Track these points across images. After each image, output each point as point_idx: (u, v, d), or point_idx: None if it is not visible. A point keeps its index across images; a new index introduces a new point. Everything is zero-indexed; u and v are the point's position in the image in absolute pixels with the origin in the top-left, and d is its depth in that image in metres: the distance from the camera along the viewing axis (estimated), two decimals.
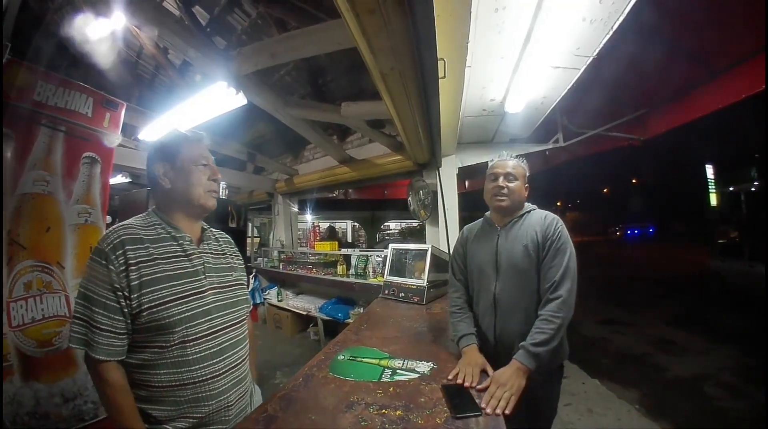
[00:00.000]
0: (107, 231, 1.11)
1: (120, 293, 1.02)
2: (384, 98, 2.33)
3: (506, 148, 1.72)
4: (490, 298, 1.63)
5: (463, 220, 3.71)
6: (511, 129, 3.44)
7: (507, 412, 1.13)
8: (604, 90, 3.80)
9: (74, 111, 2.33)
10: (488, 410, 1.12)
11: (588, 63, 2.19)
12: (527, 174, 1.72)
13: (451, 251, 1.95)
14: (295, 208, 7.00)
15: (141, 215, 1.19)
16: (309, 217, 8.62)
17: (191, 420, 1.08)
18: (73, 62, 4.34)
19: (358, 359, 1.53)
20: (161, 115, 3.53)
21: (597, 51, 2.07)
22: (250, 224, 8.42)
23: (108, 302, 1.01)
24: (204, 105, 3.07)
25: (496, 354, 1.53)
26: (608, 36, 1.92)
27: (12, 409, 1.93)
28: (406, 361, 1.49)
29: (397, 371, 1.40)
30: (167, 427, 1.06)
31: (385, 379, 1.33)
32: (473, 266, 1.75)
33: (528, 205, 1.72)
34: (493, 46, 1.99)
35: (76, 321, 1.02)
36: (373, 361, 1.51)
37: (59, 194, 2.23)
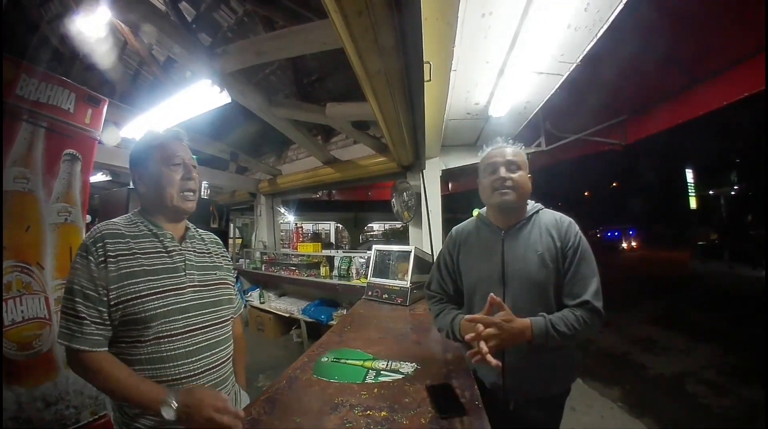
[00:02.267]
0: (93, 228, 1.09)
1: (99, 283, 1.00)
2: (369, 100, 2.33)
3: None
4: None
5: (447, 223, 3.75)
6: (494, 133, 3.48)
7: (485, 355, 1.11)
8: (587, 95, 3.89)
9: (56, 106, 2.22)
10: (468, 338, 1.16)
11: (571, 69, 2.23)
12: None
13: (436, 258, 1.72)
14: (279, 209, 6.92)
15: (126, 215, 1.18)
16: (292, 217, 8.55)
17: (157, 420, 1.02)
18: (55, 56, 4.20)
19: (342, 361, 1.53)
20: (144, 112, 3.43)
21: (580, 57, 2.11)
22: (232, 225, 8.30)
23: (88, 292, 0.99)
24: (187, 103, 3.01)
25: (505, 389, 1.39)
26: (592, 43, 1.96)
27: None
28: (390, 363, 1.50)
29: (381, 372, 1.41)
30: (138, 423, 1.03)
31: (369, 381, 1.34)
32: (471, 279, 1.48)
33: (533, 204, 1.48)
34: (479, 50, 2.00)
35: (63, 316, 1.00)
36: (357, 362, 1.51)
37: (39, 192, 2.14)
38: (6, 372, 1.91)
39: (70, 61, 3.28)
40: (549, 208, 1.51)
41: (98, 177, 5.15)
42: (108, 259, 1.01)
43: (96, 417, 2.26)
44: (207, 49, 2.62)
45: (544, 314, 1.25)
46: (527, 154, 1.50)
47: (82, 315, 0.98)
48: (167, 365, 1.04)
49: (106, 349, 1.01)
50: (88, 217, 2.36)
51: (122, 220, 1.14)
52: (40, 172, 2.15)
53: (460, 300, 1.55)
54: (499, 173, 1.38)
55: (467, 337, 1.18)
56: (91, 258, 1.01)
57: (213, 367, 1.14)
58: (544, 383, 1.38)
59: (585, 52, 2.05)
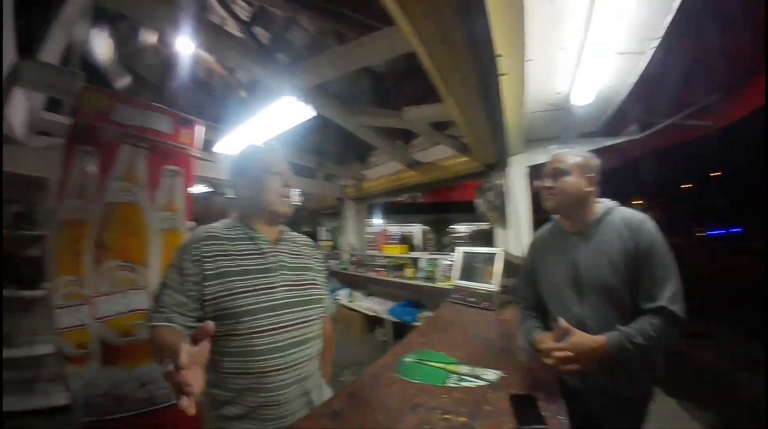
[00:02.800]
0: (193, 231, 1.24)
1: (186, 278, 1.10)
2: (446, 100, 2.33)
3: (577, 144, 1.55)
4: (570, 324, 1.36)
5: (538, 223, 3.52)
6: (580, 123, 3.20)
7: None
8: (677, 74, 3.37)
9: (155, 129, 2.62)
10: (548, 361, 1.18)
11: (654, 47, 1.96)
12: (593, 164, 1.41)
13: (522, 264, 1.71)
14: (365, 213, 7.16)
15: (225, 220, 1.29)
16: (378, 220, 8.78)
17: (245, 407, 1.12)
18: (151, 87, 4.94)
19: (425, 362, 1.53)
20: (235, 130, 3.83)
21: (661, 33, 1.85)
22: (321, 228, 8.82)
23: (175, 285, 1.11)
24: (274, 119, 3.28)
25: (580, 394, 1.36)
26: (671, 16, 1.70)
27: (87, 391, 2.21)
28: (473, 368, 1.46)
29: (464, 377, 1.38)
30: (225, 411, 1.13)
31: (450, 384, 1.32)
32: (548, 286, 1.48)
33: (606, 204, 1.41)
34: (551, 36, 1.85)
35: (152, 304, 1.14)
36: (440, 365, 1.50)
37: (144, 203, 2.52)
38: (105, 355, 2.28)
39: (162, 88, 3.79)
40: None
41: (199, 188, 5.87)
42: (204, 259, 1.12)
43: None
44: (286, 68, 2.83)
45: (620, 327, 1.18)
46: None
47: (163, 302, 1.10)
48: (256, 358, 1.11)
49: (171, 325, 1.08)
50: (191, 224, 2.70)
51: (221, 224, 1.25)
52: (144, 185, 2.53)
53: (542, 306, 1.53)
54: (544, 183, 1.42)
55: (540, 347, 1.23)
56: (186, 256, 1.12)
57: (299, 363, 1.19)
58: (624, 384, 1.34)
59: (665, 27, 1.79)
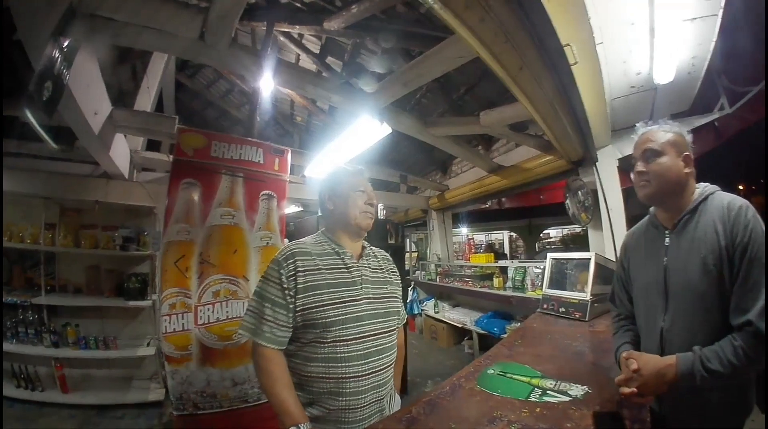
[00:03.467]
0: (284, 246, 1.39)
1: (287, 292, 1.20)
2: (520, 99, 2.26)
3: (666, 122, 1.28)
4: (654, 339, 1.17)
5: (631, 221, 3.15)
6: (668, 103, 2.86)
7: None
8: (755, 33, 2.81)
9: (249, 160, 2.97)
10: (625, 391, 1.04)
11: (722, 5, 1.70)
12: (687, 139, 1.19)
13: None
14: (449, 222, 7.10)
15: (312, 235, 1.41)
16: (463, 229, 8.61)
17: (324, 410, 1.20)
18: (242, 123, 5.57)
19: (508, 375, 1.48)
20: (319, 153, 4.14)
21: None
22: (407, 240, 8.92)
23: (276, 298, 1.21)
24: (354, 139, 3.48)
25: (667, 418, 1.19)
26: None
27: (182, 388, 2.49)
28: (558, 383, 1.37)
29: (548, 392, 1.30)
30: (307, 411, 1.20)
31: (533, 399, 1.25)
32: (635, 290, 1.27)
33: (702, 188, 1.18)
34: (617, 14, 1.71)
35: (248, 313, 1.26)
36: (524, 378, 1.44)
37: (244, 224, 2.86)
38: (202, 357, 2.55)
39: (252, 123, 4.23)
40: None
41: (292, 208, 6.38)
42: (297, 273, 1.22)
43: None
44: (360, 91, 3.00)
45: (696, 348, 0.97)
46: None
47: (267, 317, 1.20)
48: (340, 365, 1.19)
49: (281, 348, 1.22)
50: (286, 241, 2.96)
51: (309, 239, 1.37)
52: (243, 209, 2.86)
53: None
54: (637, 168, 1.19)
55: (615, 379, 1.08)
56: (282, 271, 1.22)
57: (378, 370, 1.26)
58: (707, 416, 1.11)
59: None
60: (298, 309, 1.20)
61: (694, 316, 1.08)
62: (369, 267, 1.37)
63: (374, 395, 1.25)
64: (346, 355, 1.20)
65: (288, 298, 1.21)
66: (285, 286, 1.21)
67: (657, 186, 1.15)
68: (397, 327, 1.41)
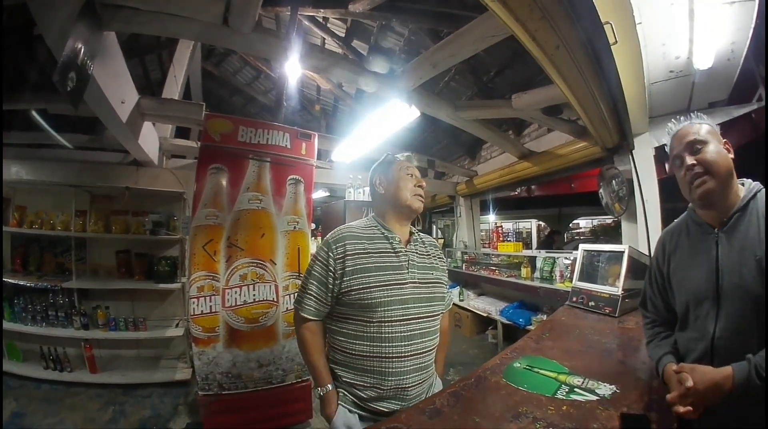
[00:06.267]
0: (336, 228, 1.42)
1: (330, 273, 1.29)
2: (555, 80, 2.16)
3: (708, 115, 1.17)
4: (703, 347, 1.09)
5: (667, 214, 3.00)
6: (706, 91, 2.71)
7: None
8: None
9: (275, 145, 2.98)
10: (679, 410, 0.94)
11: None
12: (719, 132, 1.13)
13: (648, 266, 1.41)
14: (477, 209, 6.96)
15: (363, 219, 1.49)
16: (491, 217, 8.45)
17: (367, 387, 1.28)
18: (268, 109, 5.60)
19: (535, 369, 1.46)
20: (347, 138, 4.10)
21: None
22: (434, 226, 8.86)
23: (320, 277, 1.31)
24: (382, 123, 3.43)
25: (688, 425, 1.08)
26: None
27: (208, 368, 2.57)
28: (586, 380, 1.33)
29: (575, 389, 1.27)
30: (354, 389, 1.30)
31: (559, 396, 1.22)
32: (682, 296, 1.17)
33: (749, 186, 1.10)
34: None
35: (300, 288, 1.38)
36: (551, 374, 1.41)
37: (271, 208, 2.89)
38: (229, 339, 2.62)
39: (279, 108, 4.23)
40: None
41: (319, 193, 6.41)
42: (346, 256, 1.29)
43: (299, 380, 2.83)
44: (388, 74, 2.93)
45: (749, 356, 0.89)
46: (751, 112, 1.09)
47: (311, 292, 1.32)
48: (384, 345, 1.26)
49: (318, 320, 1.36)
50: (313, 225, 2.96)
51: (359, 223, 1.44)
52: (270, 194, 2.89)
53: (675, 319, 1.24)
54: (686, 162, 1.08)
55: (668, 397, 0.99)
56: (331, 253, 1.30)
57: (420, 353, 1.32)
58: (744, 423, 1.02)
59: None
60: (345, 289, 1.28)
61: (748, 321, 1.00)
62: (416, 252, 1.42)
63: (417, 377, 1.31)
64: (389, 335, 1.27)
65: (330, 278, 1.29)
66: (330, 268, 1.29)
67: (717, 179, 1.05)
68: (442, 312, 1.47)
